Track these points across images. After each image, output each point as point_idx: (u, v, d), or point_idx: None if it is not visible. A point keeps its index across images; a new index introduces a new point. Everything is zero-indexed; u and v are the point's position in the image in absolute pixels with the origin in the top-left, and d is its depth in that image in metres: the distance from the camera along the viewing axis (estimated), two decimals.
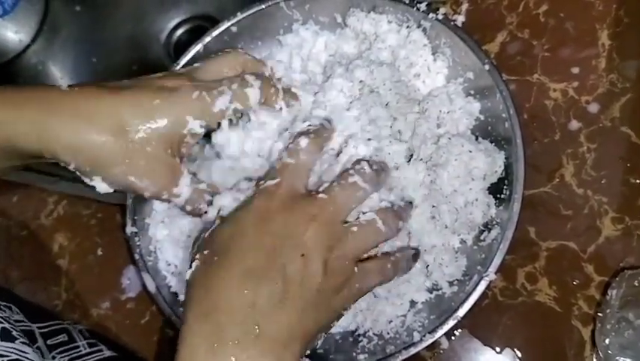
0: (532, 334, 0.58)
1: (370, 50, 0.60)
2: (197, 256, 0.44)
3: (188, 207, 0.51)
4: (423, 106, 0.59)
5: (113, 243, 0.66)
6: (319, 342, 0.50)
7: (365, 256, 0.48)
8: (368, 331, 0.56)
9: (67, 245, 0.67)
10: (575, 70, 0.62)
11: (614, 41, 0.61)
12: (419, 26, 0.59)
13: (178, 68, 0.58)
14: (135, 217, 0.58)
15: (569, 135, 0.60)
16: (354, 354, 0.55)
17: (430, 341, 0.52)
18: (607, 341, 0.53)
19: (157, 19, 0.85)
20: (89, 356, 0.57)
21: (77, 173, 0.47)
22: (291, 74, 0.59)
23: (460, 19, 0.64)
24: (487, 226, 0.56)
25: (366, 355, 0.54)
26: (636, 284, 0.53)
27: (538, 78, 0.62)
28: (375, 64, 0.58)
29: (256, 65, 0.54)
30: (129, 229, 0.58)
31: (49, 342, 0.55)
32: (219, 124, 0.51)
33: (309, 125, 0.50)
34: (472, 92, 0.58)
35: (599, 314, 0.55)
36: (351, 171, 0.48)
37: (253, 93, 0.50)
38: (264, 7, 0.60)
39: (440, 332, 0.52)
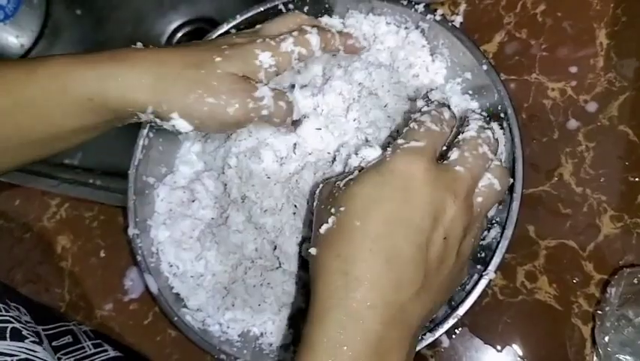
0: (532, 332, 0.58)
1: (369, 52, 0.61)
2: (333, 211, 0.42)
3: (276, 119, 0.51)
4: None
5: (116, 245, 0.67)
6: None
7: None
8: None
9: (69, 247, 0.68)
10: (573, 69, 0.62)
11: (611, 40, 0.62)
12: (417, 27, 0.60)
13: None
14: (137, 219, 0.58)
15: (567, 134, 0.61)
16: None
17: (431, 339, 0.53)
18: (606, 338, 0.53)
19: (157, 22, 0.85)
20: (95, 357, 0.57)
21: (156, 120, 0.48)
22: (293, 75, 0.59)
23: (458, 19, 0.64)
24: (486, 225, 0.56)
25: None
26: (635, 282, 0.53)
27: (537, 78, 0.62)
28: (374, 66, 0.59)
29: (311, 21, 0.56)
30: (131, 231, 0.58)
31: (54, 343, 0.55)
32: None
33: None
34: (470, 91, 0.59)
35: (599, 312, 0.55)
36: (479, 140, 0.45)
37: (313, 38, 0.52)
38: (262, 9, 0.60)
39: (440, 330, 0.53)
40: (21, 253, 0.68)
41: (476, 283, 0.53)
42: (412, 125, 0.45)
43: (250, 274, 0.56)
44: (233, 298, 0.57)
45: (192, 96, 0.47)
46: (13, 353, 0.46)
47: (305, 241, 0.55)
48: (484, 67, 0.56)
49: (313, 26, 0.54)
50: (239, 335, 0.58)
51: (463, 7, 0.65)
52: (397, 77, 0.60)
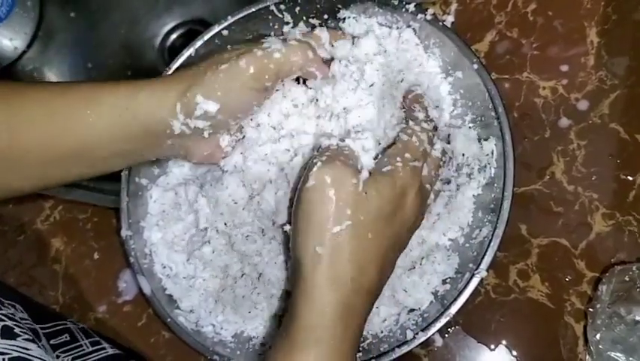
0: (525, 330, 0.58)
1: (363, 53, 0.61)
2: (350, 214, 0.45)
3: (293, 58, 0.51)
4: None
5: (109, 247, 0.67)
6: None
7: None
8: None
9: (63, 250, 0.68)
10: (564, 68, 0.62)
11: (602, 38, 0.62)
12: (409, 27, 0.60)
13: (170, 72, 0.59)
14: (130, 220, 0.59)
15: (559, 133, 0.61)
16: None
17: (423, 338, 0.53)
18: (598, 336, 0.53)
19: (151, 25, 0.85)
20: (93, 355, 0.57)
21: (187, 122, 0.49)
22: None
23: (449, 19, 0.64)
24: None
25: (360, 353, 0.55)
26: (627, 279, 0.53)
27: (528, 76, 0.62)
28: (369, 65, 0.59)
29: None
30: (124, 232, 0.58)
31: (52, 342, 0.55)
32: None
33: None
34: (461, 90, 0.59)
35: (590, 310, 0.55)
36: (440, 163, 0.53)
37: (323, 34, 0.55)
38: (254, 9, 0.60)
39: (433, 329, 0.53)
40: (15, 256, 0.68)
41: (468, 282, 0.53)
42: (414, 139, 0.50)
43: (240, 284, 0.57)
44: (223, 306, 0.57)
45: (209, 72, 0.49)
46: (4, 351, 0.46)
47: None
48: (475, 66, 0.56)
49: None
50: (232, 336, 0.58)
51: (454, 6, 0.65)
52: (392, 76, 0.60)
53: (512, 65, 0.63)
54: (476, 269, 0.53)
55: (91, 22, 0.84)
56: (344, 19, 0.61)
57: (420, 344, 0.54)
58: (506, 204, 0.54)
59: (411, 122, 0.52)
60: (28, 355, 0.47)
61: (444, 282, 0.56)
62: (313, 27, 0.62)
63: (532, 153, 0.61)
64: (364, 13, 0.61)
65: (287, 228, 0.50)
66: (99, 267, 0.67)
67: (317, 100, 0.54)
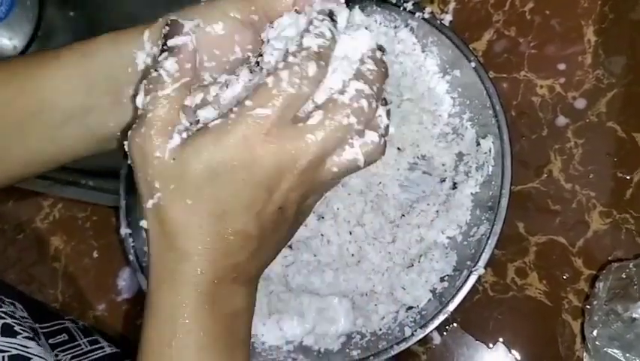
0: (523, 328, 0.59)
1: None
2: (163, 186, 0.38)
3: None
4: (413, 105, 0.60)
5: (109, 245, 0.67)
6: None
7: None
8: (361, 329, 0.57)
9: (62, 248, 0.68)
10: (562, 66, 0.62)
11: (599, 37, 0.62)
12: (406, 26, 0.60)
13: None
14: (129, 219, 0.59)
15: (556, 131, 0.61)
16: (347, 350, 0.56)
17: (422, 335, 0.53)
18: (595, 332, 0.53)
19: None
20: (91, 354, 0.57)
21: (153, 50, 0.42)
22: None
23: (447, 18, 0.64)
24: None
25: (359, 351, 0.55)
26: (624, 276, 0.54)
27: (525, 75, 0.63)
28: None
29: None
30: (123, 230, 0.58)
31: (50, 341, 0.55)
32: None
33: (317, 34, 0.40)
34: (459, 89, 0.59)
35: (588, 307, 0.55)
36: (348, 110, 0.38)
37: None
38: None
39: (431, 326, 0.53)
40: (14, 254, 0.68)
41: (466, 280, 0.54)
42: (267, 80, 0.38)
43: None
44: None
45: (186, 7, 0.42)
46: (4, 348, 0.46)
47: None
48: (473, 64, 0.56)
49: None
50: None
51: (452, 5, 0.65)
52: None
53: (510, 64, 0.63)
54: (474, 267, 0.54)
55: (90, 22, 0.85)
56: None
57: (418, 342, 0.54)
58: (504, 202, 0.54)
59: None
60: (28, 353, 0.47)
61: (442, 280, 0.56)
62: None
63: (530, 151, 0.61)
64: (363, 12, 0.61)
65: None
66: (98, 265, 0.67)
67: None
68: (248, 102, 0.37)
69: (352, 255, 0.58)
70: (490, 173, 0.57)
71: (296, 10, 0.42)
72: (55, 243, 0.68)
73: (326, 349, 0.57)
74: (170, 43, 0.40)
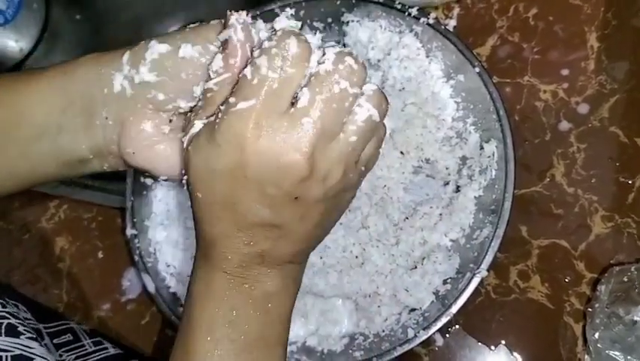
0: (525, 331, 0.59)
1: (367, 56, 0.62)
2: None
3: None
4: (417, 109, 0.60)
5: (114, 246, 0.67)
6: None
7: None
8: (364, 330, 0.57)
9: (68, 248, 0.68)
10: (565, 72, 0.63)
11: (602, 43, 0.63)
12: (411, 31, 0.61)
13: None
14: (135, 220, 0.59)
15: (559, 136, 0.62)
16: (350, 351, 0.56)
17: (424, 337, 0.54)
18: (597, 335, 0.53)
19: (155, 27, 0.86)
20: (95, 354, 0.58)
21: (132, 73, 0.41)
22: None
23: (451, 23, 0.65)
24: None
25: (362, 352, 0.56)
26: (625, 280, 0.54)
27: (529, 80, 0.63)
28: (372, 70, 0.60)
29: None
30: (129, 231, 0.59)
31: (55, 341, 0.56)
32: None
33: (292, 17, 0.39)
34: (463, 94, 0.60)
35: (589, 310, 0.56)
36: (335, 75, 0.36)
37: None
38: (258, 12, 0.61)
39: (434, 328, 0.54)
40: (20, 255, 0.69)
41: (469, 282, 0.54)
42: (245, 71, 0.36)
43: None
44: None
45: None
46: (7, 348, 0.46)
47: None
48: (477, 69, 0.57)
49: None
50: None
51: (456, 11, 0.66)
52: (393, 80, 0.61)
53: (513, 69, 0.64)
54: (477, 269, 0.54)
55: (96, 25, 0.85)
56: (348, 22, 0.62)
57: (421, 343, 0.54)
58: (507, 205, 0.54)
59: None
60: (31, 353, 0.47)
61: (445, 282, 0.57)
62: (317, 30, 0.63)
63: (533, 155, 0.61)
64: (368, 17, 0.62)
65: None
66: (103, 266, 0.67)
67: None
68: (231, 99, 0.36)
69: (356, 257, 0.59)
70: (493, 177, 0.57)
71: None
72: (60, 243, 0.69)
73: (329, 350, 0.57)
74: (221, 37, 0.39)
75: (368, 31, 0.62)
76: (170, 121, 0.43)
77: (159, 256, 0.60)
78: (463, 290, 0.54)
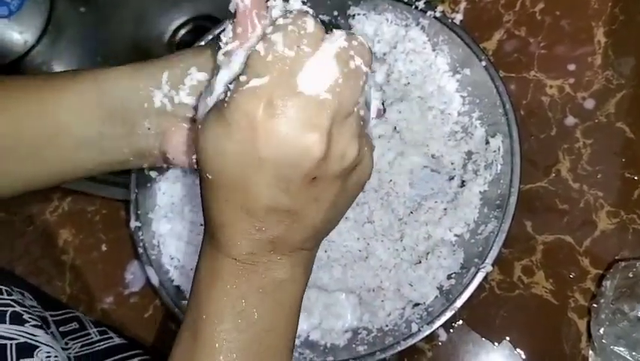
0: (529, 326, 0.59)
1: (373, 49, 0.62)
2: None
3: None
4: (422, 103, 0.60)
5: (117, 239, 0.67)
6: None
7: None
8: (367, 324, 0.57)
9: (71, 241, 0.68)
10: (571, 67, 0.63)
11: (609, 38, 0.62)
12: (417, 24, 0.60)
13: None
14: (139, 212, 0.59)
15: (565, 131, 0.61)
16: (353, 346, 0.56)
17: (428, 331, 0.53)
18: (601, 330, 0.53)
19: (160, 20, 0.86)
20: (101, 343, 0.58)
21: (172, 94, 0.44)
22: None
23: (458, 17, 0.65)
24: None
25: (366, 346, 0.55)
26: (630, 276, 0.54)
27: (535, 75, 0.63)
28: (377, 63, 0.60)
29: None
30: (133, 224, 0.59)
31: (61, 329, 0.56)
32: None
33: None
34: (469, 88, 0.59)
35: (594, 305, 0.56)
36: (351, 52, 0.36)
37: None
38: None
39: (438, 323, 0.53)
40: (23, 246, 0.69)
41: (473, 277, 0.54)
42: (258, 47, 0.35)
43: None
44: None
45: (205, 53, 0.43)
46: (12, 336, 0.46)
47: None
48: (484, 63, 0.57)
49: None
50: None
51: (463, 5, 0.65)
52: (399, 74, 0.61)
53: (520, 64, 0.63)
54: (481, 264, 0.54)
55: (100, 18, 0.85)
56: (354, 15, 0.62)
57: (424, 338, 0.54)
58: (512, 200, 0.54)
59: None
60: (36, 341, 0.47)
61: (449, 277, 0.57)
62: (323, 23, 0.62)
63: (539, 150, 0.61)
64: (374, 10, 0.61)
65: None
66: (107, 258, 0.67)
67: None
68: (242, 76, 0.35)
69: (360, 251, 0.59)
70: (498, 171, 0.57)
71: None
72: (63, 236, 0.69)
73: (332, 344, 0.57)
74: (230, 6, 0.38)
75: (374, 25, 0.62)
76: None
77: (163, 248, 0.60)
78: (468, 285, 0.54)
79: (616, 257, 0.58)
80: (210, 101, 0.38)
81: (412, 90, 0.61)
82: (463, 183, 0.59)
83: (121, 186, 0.65)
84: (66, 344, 0.54)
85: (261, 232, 0.38)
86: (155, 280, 0.58)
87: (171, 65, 0.43)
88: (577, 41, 0.63)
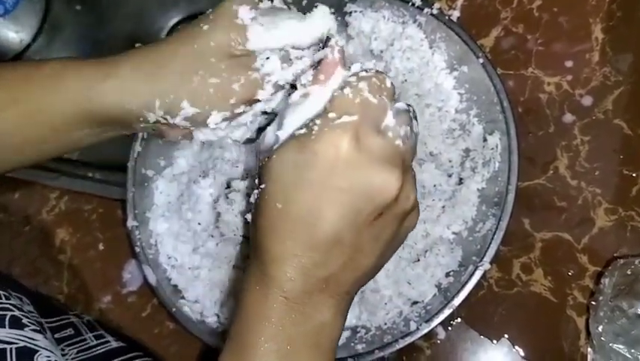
0: (527, 324, 0.59)
1: (370, 47, 0.61)
2: (257, 183, 0.41)
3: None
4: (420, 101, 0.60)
5: (114, 238, 0.67)
6: None
7: None
8: (366, 323, 0.57)
9: (68, 240, 0.68)
10: (569, 63, 0.62)
11: (607, 35, 0.62)
12: (415, 21, 0.60)
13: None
14: (136, 211, 0.59)
15: (563, 128, 0.61)
16: (352, 344, 0.56)
17: (427, 330, 0.53)
18: (600, 328, 0.53)
19: (157, 18, 0.85)
20: (97, 348, 0.57)
21: (167, 117, 0.46)
22: None
23: (455, 14, 0.64)
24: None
25: (364, 345, 0.55)
26: (629, 273, 0.54)
27: (533, 72, 0.63)
28: (374, 60, 0.60)
29: None
30: (130, 223, 0.59)
31: (56, 336, 0.55)
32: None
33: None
34: (466, 85, 0.59)
35: (593, 303, 0.56)
36: (410, 114, 0.42)
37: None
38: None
39: (436, 321, 0.53)
40: (20, 246, 0.68)
41: (472, 275, 0.54)
42: (346, 91, 0.40)
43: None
44: (228, 296, 0.57)
45: (195, 79, 0.44)
46: (11, 340, 0.46)
47: None
48: (481, 60, 0.57)
49: None
50: None
51: (460, 2, 0.65)
52: (396, 72, 0.60)
53: (517, 61, 0.63)
54: (479, 262, 0.54)
55: (97, 16, 0.85)
56: (350, 13, 0.62)
57: (423, 336, 0.54)
58: (510, 197, 0.54)
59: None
60: (35, 345, 0.47)
61: (447, 275, 0.56)
62: None
63: (537, 147, 0.61)
64: (371, 8, 0.61)
65: None
66: (104, 258, 0.67)
67: None
68: (331, 114, 0.39)
69: None
70: (496, 169, 0.57)
71: None
72: (60, 235, 0.68)
73: None
74: (316, 56, 0.45)
75: (371, 22, 0.61)
76: None
77: (160, 248, 0.60)
78: (466, 283, 0.54)
79: (614, 254, 0.58)
80: (282, 134, 0.41)
81: (409, 88, 0.60)
82: (461, 181, 0.59)
83: (117, 185, 0.65)
84: (62, 350, 0.54)
85: (317, 268, 0.39)
86: (152, 279, 0.58)
87: (162, 92, 0.45)
88: (574, 38, 0.63)
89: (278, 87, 0.47)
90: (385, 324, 0.56)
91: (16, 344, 0.46)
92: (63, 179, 0.68)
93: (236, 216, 0.56)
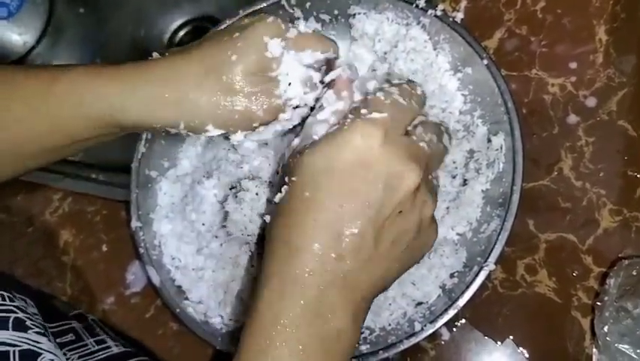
0: (532, 325, 0.59)
1: (374, 49, 0.61)
2: (286, 180, 0.42)
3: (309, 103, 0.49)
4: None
5: (118, 239, 0.67)
6: None
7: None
8: (370, 324, 0.57)
9: (72, 241, 0.68)
10: (573, 65, 0.62)
11: (610, 37, 0.62)
12: (418, 23, 0.60)
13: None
14: (140, 212, 0.59)
15: (567, 129, 0.61)
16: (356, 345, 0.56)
17: (431, 330, 0.53)
18: (605, 328, 0.53)
19: (159, 21, 0.86)
20: (99, 353, 0.57)
21: (189, 133, 0.48)
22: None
23: (458, 16, 0.65)
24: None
25: (368, 345, 0.55)
26: (634, 274, 0.54)
27: (537, 73, 0.63)
28: (378, 62, 0.60)
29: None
30: (134, 224, 0.59)
31: (58, 340, 0.55)
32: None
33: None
34: (470, 86, 0.59)
35: (598, 303, 0.55)
36: (442, 128, 0.48)
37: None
38: (265, 4, 0.60)
39: (440, 322, 0.53)
40: (23, 247, 0.68)
41: (476, 275, 0.54)
42: (378, 94, 0.44)
43: (251, 273, 0.57)
44: (232, 297, 0.57)
45: (222, 106, 0.46)
46: (15, 343, 0.46)
47: None
48: (485, 62, 0.57)
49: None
50: (241, 328, 0.58)
51: (463, 3, 0.65)
52: (400, 74, 0.60)
53: (521, 62, 0.63)
54: (484, 263, 0.54)
55: (100, 18, 0.85)
56: (354, 14, 0.62)
57: (427, 337, 0.54)
58: (515, 198, 0.54)
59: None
60: (39, 348, 0.47)
61: (452, 276, 0.56)
62: (324, 22, 0.62)
63: (541, 149, 0.61)
64: (375, 9, 0.61)
65: None
66: (107, 259, 0.67)
67: None
68: (363, 110, 0.42)
69: None
70: (501, 170, 0.57)
71: None
72: (64, 236, 0.68)
73: None
74: (327, 78, 0.48)
75: (375, 24, 0.61)
76: None
77: (164, 248, 0.60)
78: (470, 284, 0.54)
79: (619, 255, 0.58)
80: (316, 131, 0.44)
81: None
82: (465, 182, 0.59)
83: (121, 187, 0.65)
84: (64, 355, 0.54)
85: (336, 262, 0.39)
86: (156, 280, 0.58)
87: (187, 116, 0.46)
88: (578, 39, 0.63)
89: (297, 108, 0.49)
90: (389, 325, 0.56)
91: (20, 346, 0.46)
92: (67, 180, 0.68)
93: (245, 216, 0.56)
